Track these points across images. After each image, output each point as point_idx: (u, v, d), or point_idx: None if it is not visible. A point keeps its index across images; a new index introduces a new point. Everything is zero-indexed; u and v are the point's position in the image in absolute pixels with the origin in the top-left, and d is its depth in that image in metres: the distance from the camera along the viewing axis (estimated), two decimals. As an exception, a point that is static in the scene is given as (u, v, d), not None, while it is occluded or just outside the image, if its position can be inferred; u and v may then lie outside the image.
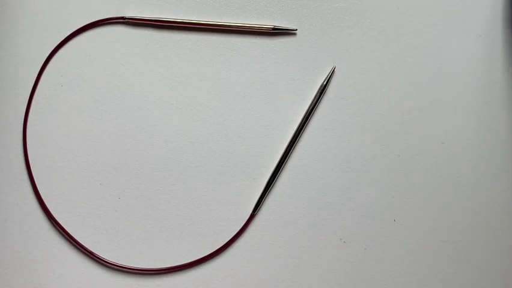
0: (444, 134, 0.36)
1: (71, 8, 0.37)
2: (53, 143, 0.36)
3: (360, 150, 0.36)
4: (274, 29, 0.36)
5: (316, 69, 0.37)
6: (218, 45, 0.37)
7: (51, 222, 0.35)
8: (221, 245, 0.35)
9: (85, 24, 0.37)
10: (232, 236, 0.35)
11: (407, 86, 0.37)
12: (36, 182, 0.35)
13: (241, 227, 0.35)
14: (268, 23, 0.37)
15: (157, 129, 0.36)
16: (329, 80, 0.36)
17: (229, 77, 0.36)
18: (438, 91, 0.37)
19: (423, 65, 0.37)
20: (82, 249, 0.34)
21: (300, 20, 0.37)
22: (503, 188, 0.36)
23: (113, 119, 0.36)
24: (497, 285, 0.35)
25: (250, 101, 0.36)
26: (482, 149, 0.36)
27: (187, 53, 0.37)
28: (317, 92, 0.36)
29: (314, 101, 0.36)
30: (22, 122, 0.36)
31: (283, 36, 0.37)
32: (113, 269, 0.34)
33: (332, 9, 0.37)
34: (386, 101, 0.36)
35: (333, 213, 0.35)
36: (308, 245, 0.35)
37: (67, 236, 0.35)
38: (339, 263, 0.35)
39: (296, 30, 0.37)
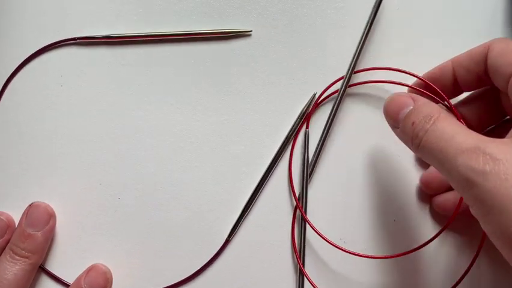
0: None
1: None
2: (53, 143, 0.36)
3: (360, 150, 0.36)
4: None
5: (316, 69, 0.37)
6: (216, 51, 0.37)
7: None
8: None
9: (40, 48, 0.36)
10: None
11: (407, 86, 0.37)
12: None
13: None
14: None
15: (157, 129, 0.36)
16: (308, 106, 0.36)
17: (229, 77, 0.36)
18: (439, 91, 0.37)
19: (423, 65, 0.37)
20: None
21: (299, 20, 0.37)
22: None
23: (113, 119, 0.36)
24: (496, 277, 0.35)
25: (250, 101, 0.36)
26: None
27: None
28: (297, 119, 0.36)
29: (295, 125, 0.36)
30: None
31: (281, 34, 0.37)
32: None
33: (332, 9, 0.37)
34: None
35: (333, 213, 0.35)
36: (308, 245, 0.35)
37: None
38: (339, 263, 0.35)
39: (250, 31, 0.37)
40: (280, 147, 0.35)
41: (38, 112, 0.36)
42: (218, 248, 0.35)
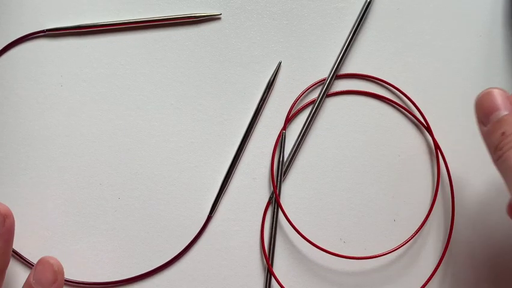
0: (444, 134, 0.36)
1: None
2: (53, 143, 0.36)
3: (360, 150, 0.36)
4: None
5: (316, 69, 0.37)
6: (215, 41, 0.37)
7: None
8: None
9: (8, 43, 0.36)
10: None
11: (406, 85, 0.37)
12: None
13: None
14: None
15: (157, 129, 0.36)
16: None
17: (229, 76, 0.36)
18: (438, 91, 0.37)
19: (423, 65, 0.37)
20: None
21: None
22: (505, 187, 0.36)
23: (113, 119, 0.36)
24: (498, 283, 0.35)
25: (251, 101, 0.36)
26: (482, 149, 0.36)
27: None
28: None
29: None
30: None
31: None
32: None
33: (332, 9, 0.37)
34: (385, 101, 0.36)
35: (333, 213, 0.35)
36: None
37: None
38: (339, 263, 0.35)
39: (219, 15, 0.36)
40: (249, 127, 0.36)
41: (38, 112, 0.36)
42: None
